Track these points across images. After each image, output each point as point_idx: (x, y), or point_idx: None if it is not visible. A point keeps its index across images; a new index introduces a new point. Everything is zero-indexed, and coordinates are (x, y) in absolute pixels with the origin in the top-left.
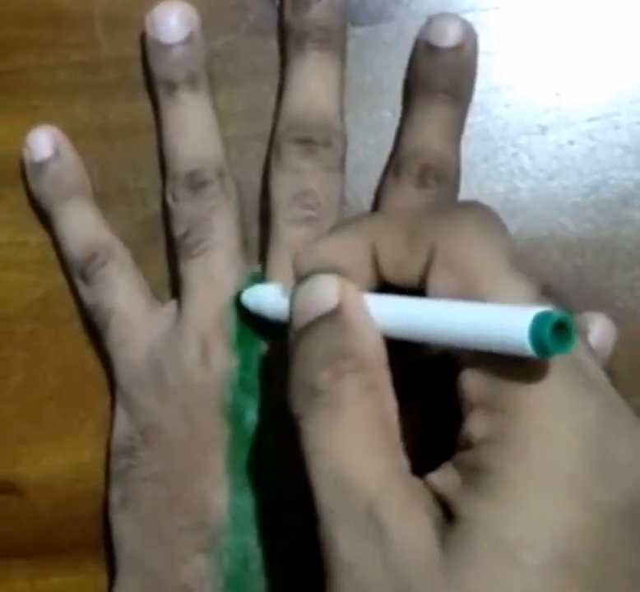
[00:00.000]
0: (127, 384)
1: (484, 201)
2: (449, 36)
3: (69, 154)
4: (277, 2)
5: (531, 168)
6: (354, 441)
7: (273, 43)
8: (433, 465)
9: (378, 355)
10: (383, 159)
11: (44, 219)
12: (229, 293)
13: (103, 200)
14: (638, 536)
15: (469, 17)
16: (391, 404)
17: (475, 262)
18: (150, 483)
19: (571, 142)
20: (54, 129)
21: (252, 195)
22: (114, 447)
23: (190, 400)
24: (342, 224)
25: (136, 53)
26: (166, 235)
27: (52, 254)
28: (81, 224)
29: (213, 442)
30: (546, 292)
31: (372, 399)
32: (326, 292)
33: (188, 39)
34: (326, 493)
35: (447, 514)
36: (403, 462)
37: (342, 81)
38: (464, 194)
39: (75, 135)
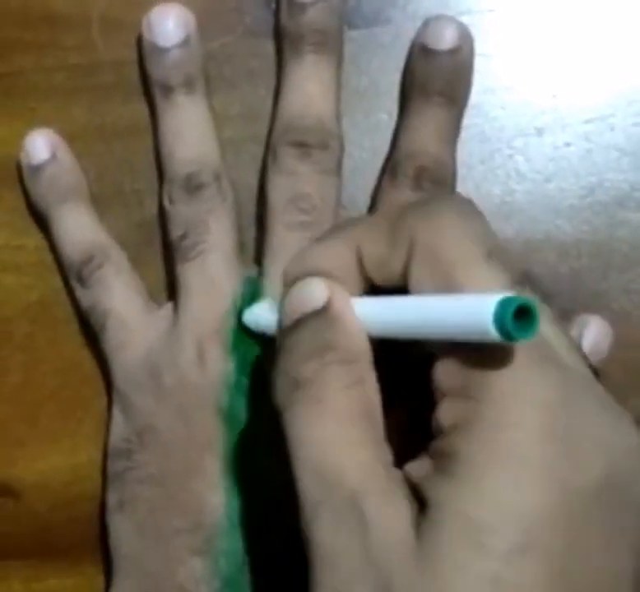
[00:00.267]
0: (123, 386)
1: (481, 203)
2: (445, 39)
3: (66, 157)
4: (273, 5)
5: (528, 171)
6: (336, 432)
7: (269, 46)
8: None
9: (364, 350)
10: (380, 162)
11: (42, 221)
12: (226, 295)
13: (100, 202)
14: (609, 518)
15: (465, 20)
16: (375, 398)
17: (451, 254)
18: (147, 485)
19: (567, 144)
20: (51, 132)
21: (248, 197)
22: (111, 449)
23: (186, 401)
24: (328, 231)
25: (134, 55)
26: (163, 237)
27: (49, 257)
28: (78, 227)
29: (209, 444)
30: (524, 278)
31: (356, 391)
32: (314, 292)
33: (185, 42)
34: (308, 483)
35: (421, 502)
36: (385, 454)
37: (338, 84)
38: None
39: (72, 137)
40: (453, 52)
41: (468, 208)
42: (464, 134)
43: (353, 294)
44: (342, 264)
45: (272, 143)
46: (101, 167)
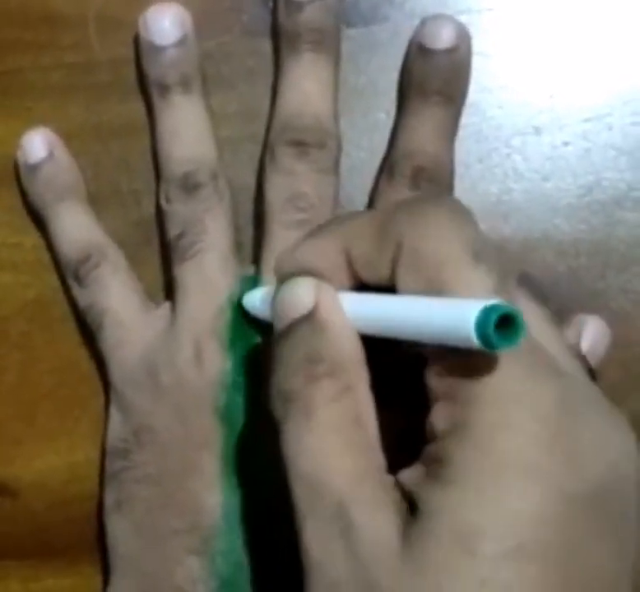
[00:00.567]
0: (121, 385)
1: (478, 202)
2: (443, 38)
3: (63, 156)
4: (270, 4)
5: (525, 170)
6: (326, 443)
7: (267, 45)
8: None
9: (353, 355)
10: (377, 161)
11: (39, 220)
12: (223, 294)
13: (97, 201)
14: (606, 523)
15: (463, 19)
16: (366, 403)
17: (437, 255)
18: (145, 484)
19: (565, 143)
20: (48, 131)
21: (245, 196)
22: (108, 449)
23: (184, 400)
24: (318, 227)
25: (131, 54)
26: (160, 237)
27: (46, 256)
28: (75, 226)
29: (206, 443)
30: (521, 279)
31: (344, 401)
32: (301, 294)
33: (181, 41)
34: (299, 494)
35: (412, 508)
36: (377, 461)
37: (336, 83)
38: (458, 195)
39: (69, 136)
40: (451, 51)
41: (456, 208)
42: (461, 133)
43: (340, 291)
44: (331, 261)
45: (270, 142)
46: (98, 166)
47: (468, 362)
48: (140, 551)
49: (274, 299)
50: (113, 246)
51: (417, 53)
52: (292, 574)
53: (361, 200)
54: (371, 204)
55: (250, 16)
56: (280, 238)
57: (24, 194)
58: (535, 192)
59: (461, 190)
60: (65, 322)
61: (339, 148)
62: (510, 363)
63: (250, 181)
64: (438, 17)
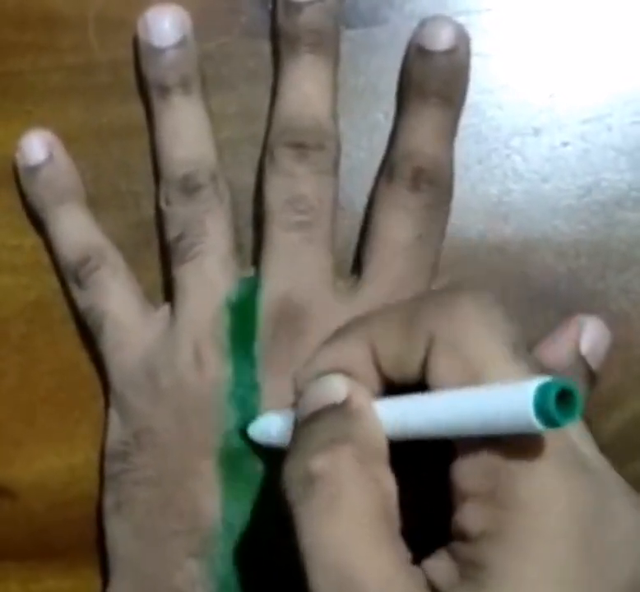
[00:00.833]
0: (120, 387)
1: (478, 203)
2: (442, 40)
3: (62, 158)
4: (270, 5)
5: (525, 170)
6: (354, 535)
7: (266, 46)
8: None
9: (382, 447)
10: (377, 162)
11: (39, 222)
12: (222, 296)
13: (96, 203)
14: None
15: (462, 19)
16: (392, 491)
17: (476, 350)
18: (144, 486)
19: (565, 144)
20: (48, 133)
21: (245, 198)
22: (108, 451)
23: (183, 403)
24: (337, 332)
25: (130, 55)
26: (160, 238)
27: (46, 257)
28: (74, 228)
29: (206, 446)
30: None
31: (371, 488)
32: (334, 387)
33: (181, 43)
34: (322, 585)
35: None
36: (404, 553)
37: (335, 84)
38: (457, 196)
39: (68, 138)
40: (450, 52)
41: (486, 300)
42: (461, 134)
43: (371, 394)
44: (358, 363)
45: (269, 144)
46: (98, 168)
47: (502, 459)
48: (139, 553)
49: (302, 395)
50: (113, 248)
51: (416, 55)
52: (290, 577)
53: (361, 201)
54: (370, 205)
55: (249, 17)
56: (280, 240)
57: (23, 196)
58: (535, 193)
59: (460, 191)
60: (65, 324)
61: (338, 149)
62: (545, 461)
63: (250, 182)
64: (436, 19)
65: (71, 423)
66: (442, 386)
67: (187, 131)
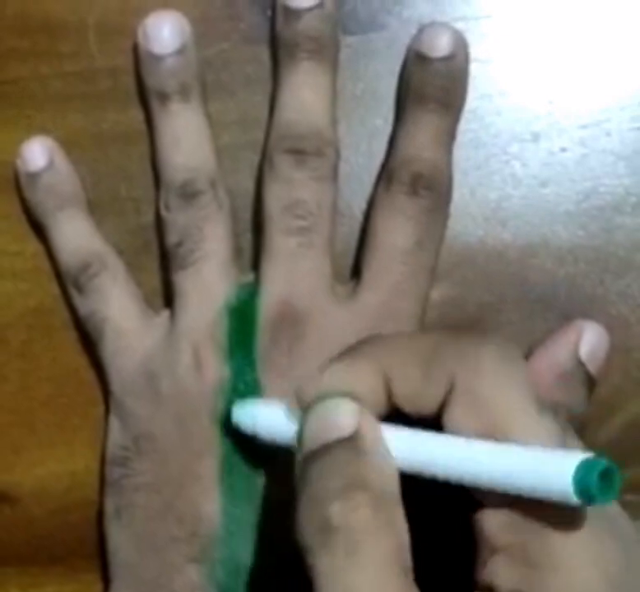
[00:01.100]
0: (120, 393)
1: (476, 208)
2: (440, 46)
3: (63, 165)
4: (269, 12)
5: (524, 176)
6: (373, 585)
7: (265, 53)
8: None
9: (394, 487)
10: (376, 168)
11: (39, 228)
12: (222, 302)
13: (96, 209)
14: None
15: (460, 25)
16: (405, 538)
17: (499, 401)
18: (144, 492)
19: (563, 149)
20: (48, 139)
21: (245, 204)
22: (108, 457)
23: (183, 408)
24: (349, 350)
25: (130, 62)
26: (159, 244)
27: (46, 263)
28: (75, 234)
29: (206, 451)
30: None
31: (389, 536)
32: (342, 416)
33: (180, 50)
34: None
35: None
36: None
37: (334, 91)
38: (456, 201)
39: (68, 144)
40: (448, 59)
41: (507, 351)
42: (460, 139)
43: (377, 418)
44: (367, 385)
45: (268, 150)
46: (98, 174)
47: (536, 516)
48: (139, 558)
49: (306, 417)
50: (113, 254)
51: (415, 61)
52: (290, 582)
53: (360, 206)
54: (369, 211)
55: (249, 24)
56: (280, 245)
57: (24, 202)
58: (534, 198)
59: (459, 196)
60: (65, 330)
61: (337, 155)
62: (582, 522)
63: (249, 188)
64: (435, 25)
65: (71, 429)
66: (458, 431)
67: (186, 138)
